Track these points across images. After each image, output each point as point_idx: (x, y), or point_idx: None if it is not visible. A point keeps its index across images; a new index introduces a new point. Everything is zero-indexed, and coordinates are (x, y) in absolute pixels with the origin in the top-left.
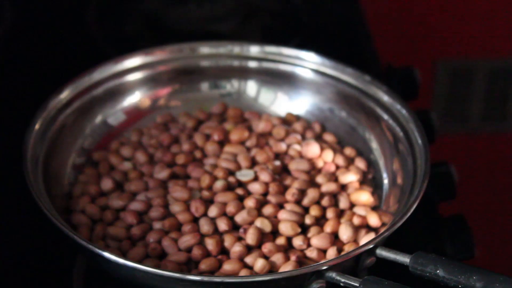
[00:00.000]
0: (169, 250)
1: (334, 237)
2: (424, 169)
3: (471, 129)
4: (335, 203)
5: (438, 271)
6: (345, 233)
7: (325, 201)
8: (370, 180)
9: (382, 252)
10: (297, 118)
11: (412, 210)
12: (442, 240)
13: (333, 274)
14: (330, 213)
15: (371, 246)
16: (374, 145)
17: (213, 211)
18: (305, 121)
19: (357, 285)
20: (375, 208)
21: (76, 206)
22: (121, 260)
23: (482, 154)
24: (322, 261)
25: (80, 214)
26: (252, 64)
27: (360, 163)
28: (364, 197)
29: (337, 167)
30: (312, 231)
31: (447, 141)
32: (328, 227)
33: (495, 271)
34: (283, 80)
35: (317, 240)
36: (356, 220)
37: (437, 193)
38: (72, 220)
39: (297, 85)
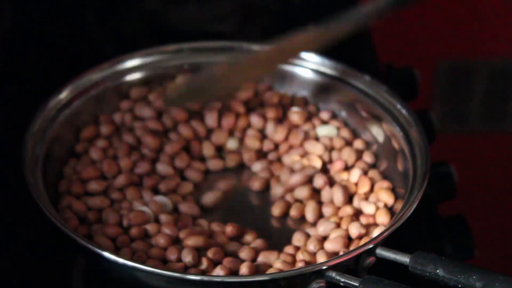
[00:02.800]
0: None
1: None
2: (424, 169)
3: (471, 129)
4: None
5: (438, 271)
6: (354, 233)
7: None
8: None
9: (382, 252)
10: (305, 102)
11: (412, 210)
12: (442, 240)
13: (333, 274)
14: (340, 213)
15: (370, 246)
16: (374, 145)
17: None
18: (314, 107)
19: (357, 284)
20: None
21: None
22: (121, 260)
23: (482, 154)
24: (322, 261)
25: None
26: None
27: (368, 157)
28: (383, 195)
29: (347, 164)
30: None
31: (447, 141)
32: (339, 230)
33: (495, 271)
34: (283, 80)
35: (330, 244)
36: (364, 220)
37: (437, 193)
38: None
39: (297, 85)
